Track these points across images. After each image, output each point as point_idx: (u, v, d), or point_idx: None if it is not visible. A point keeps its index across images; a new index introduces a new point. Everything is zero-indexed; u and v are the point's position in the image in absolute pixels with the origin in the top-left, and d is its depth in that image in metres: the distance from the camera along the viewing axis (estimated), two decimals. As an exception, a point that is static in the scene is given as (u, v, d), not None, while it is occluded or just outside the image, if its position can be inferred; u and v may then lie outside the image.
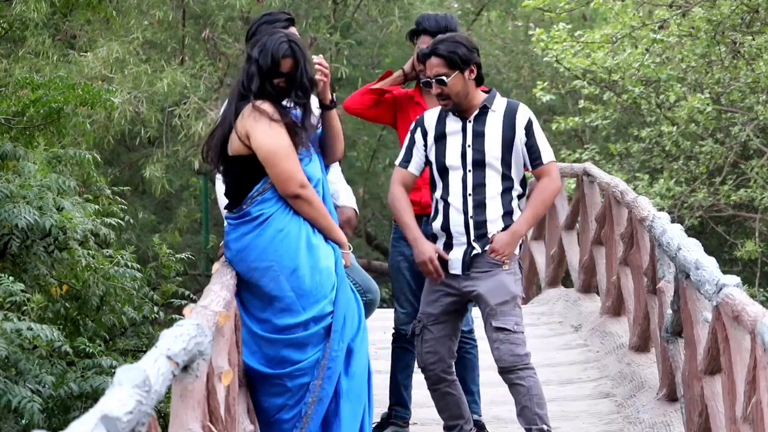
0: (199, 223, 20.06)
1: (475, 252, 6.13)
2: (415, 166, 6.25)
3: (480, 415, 7.16)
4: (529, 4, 16.39)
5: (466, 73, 6.11)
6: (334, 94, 5.99)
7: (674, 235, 6.59)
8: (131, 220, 10.13)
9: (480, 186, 6.11)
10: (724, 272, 5.50)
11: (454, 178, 6.16)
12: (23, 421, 7.20)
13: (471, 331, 7.05)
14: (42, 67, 14.97)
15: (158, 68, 16.70)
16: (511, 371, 6.09)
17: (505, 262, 6.08)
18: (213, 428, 4.60)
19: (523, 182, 6.19)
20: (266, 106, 5.59)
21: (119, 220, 8.95)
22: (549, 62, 17.68)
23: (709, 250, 6.35)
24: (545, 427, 6.11)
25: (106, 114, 14.51)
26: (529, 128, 6.12)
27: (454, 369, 6.35)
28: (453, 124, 6.21)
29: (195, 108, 16.52)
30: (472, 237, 6.13)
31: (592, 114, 17.02)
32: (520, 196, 6.17)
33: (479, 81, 6.18)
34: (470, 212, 6.12)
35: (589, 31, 16.98)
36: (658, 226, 7.08)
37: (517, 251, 6.16)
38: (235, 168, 5.67)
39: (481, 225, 6.12)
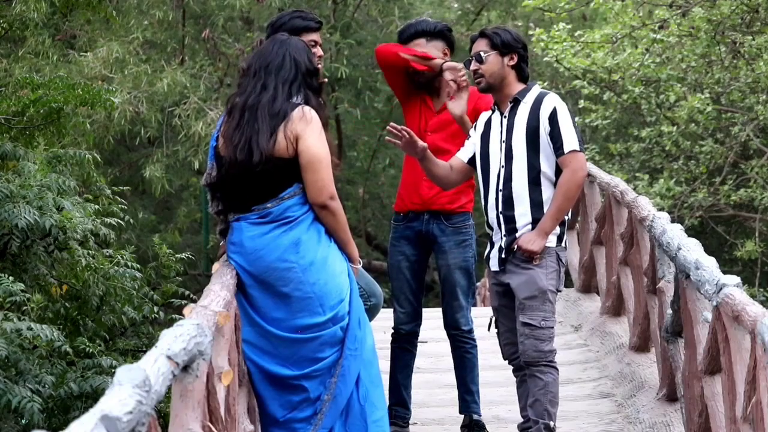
0: (199, 223, 20.06)
1: (505, 247, 6.18)
2: (464, 153, 6.40)
3: (480, 415, 7.17)
4: (529, 4, 16.39)
5: (506, 59, 6.20)
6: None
7: (674, 235, 6.59)
8: (131, 220, 10.12)
9: (508, 181, 6.17)
10: (724, 272, 5.49)
11: (492, 174, 6.23)
12: (23, 421, 7.20)
13: (471, 331, 7.06)
14: (42, 67, 14.97)
15: (158, 68, 16.70)
16: (533, 365, 6.16)
17: (534, 259, 6.11)
18: (213, 428, 4.60)
19: (559, 172, 6.14)
20: (314, 113, 5.64)
21: (119, 220, 8.95)
22: (549, 62, 17.67)
23: (709, 250, 6.34)
24: (551, 424, 6.13)
25: (106, 114, 14.52)
26: (552, 117, 6.11)
27: None
28: (495, 121, 6.30)
29: (195, 108, 16.51)
30: (503, 232, 6.19)
31: (592, 114, 17.02)
32: (555, 186, 6.16)
33: (521, 75, 6.24)
34: (500, 207, 6.19)
35: (589, 31, 16.98)
36: (658, 226, 7.08)
37: (553, 243, 6.14)
38: (266, 167, 5.62)
39: (509, 220, 6.17)
